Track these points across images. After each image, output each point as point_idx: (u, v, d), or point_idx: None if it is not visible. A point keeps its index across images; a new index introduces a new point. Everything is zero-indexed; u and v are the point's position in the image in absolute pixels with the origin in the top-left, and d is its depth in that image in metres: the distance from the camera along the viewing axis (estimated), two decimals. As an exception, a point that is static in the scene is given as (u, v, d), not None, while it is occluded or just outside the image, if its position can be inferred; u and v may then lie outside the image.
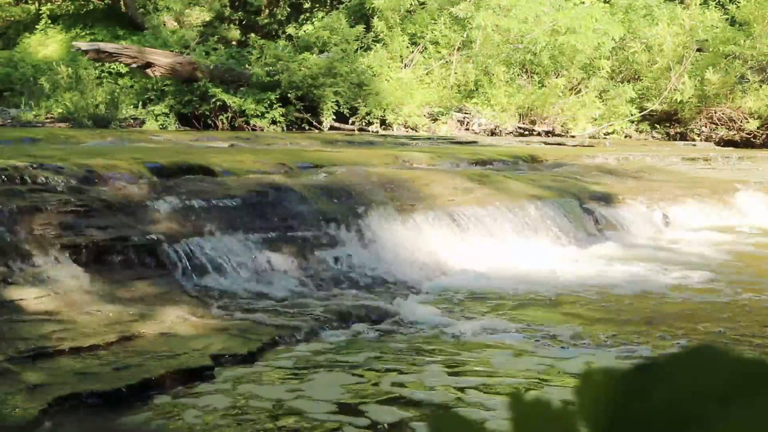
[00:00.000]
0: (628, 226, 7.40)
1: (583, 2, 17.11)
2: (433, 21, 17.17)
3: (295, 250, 5.28)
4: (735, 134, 16.08)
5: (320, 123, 14.96)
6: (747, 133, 15.98)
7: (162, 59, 14.70)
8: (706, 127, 16.41)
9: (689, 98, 15.97)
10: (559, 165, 9.68)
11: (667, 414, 0.39)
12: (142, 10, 19.52)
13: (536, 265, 5.81)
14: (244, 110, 14.49)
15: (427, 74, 16.65)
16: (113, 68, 16.40)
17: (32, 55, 18.34)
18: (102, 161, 5.77)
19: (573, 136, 15.62)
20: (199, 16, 19.25)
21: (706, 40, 16.46)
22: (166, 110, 14.70)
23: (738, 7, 16.38)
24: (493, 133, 15.61)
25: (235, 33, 19.48)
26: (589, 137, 15.74)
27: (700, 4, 17.00)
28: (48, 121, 14.16)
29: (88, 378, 3.20)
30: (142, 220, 5.00)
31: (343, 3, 18.50)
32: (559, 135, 15.66)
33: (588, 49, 15.95)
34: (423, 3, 17.36)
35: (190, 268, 4.77)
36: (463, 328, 4.20)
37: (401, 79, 15.96)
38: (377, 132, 14.82)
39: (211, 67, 14.77)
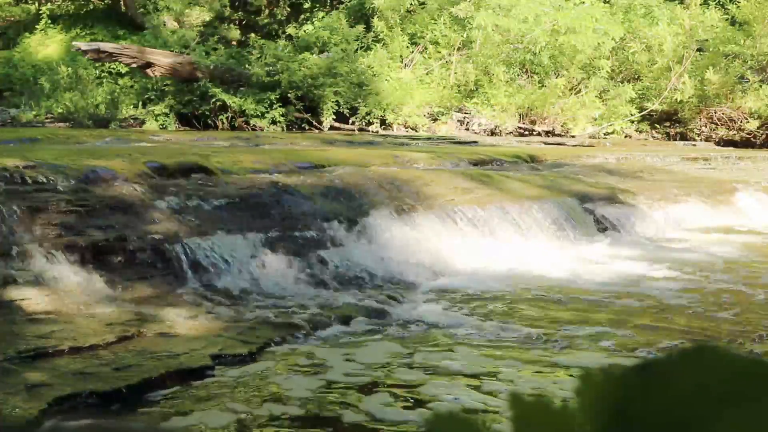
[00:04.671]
0: (628, 226, 7.40)
1: (583, 2, 17.10)
2: (433, 21, 17.17)
3: (295, 250, 5.28)
4: (735, 134, 16.08)
5: (320, 123, 14.96)
6: (747, 133, 15.98)
7: (162, 59, 14.70)
8: (706, 127, 16.41)
9: (689, 98, 15.97)
10: (559, 165, 9.68)
11: (667, 414, 0.39)
12: (142, 10, 19.52)
13: (536, 265, 5.81)
14: (244, 110, 14.50)
15: (427, 74, 16.65)
16: (113, 68, 16.41)
17: (32, 55, 18.35)
18: (102, 161, 5.77)
19: (573, 136, 15.62)
20: (199, 16, 19.25)
21: (706, 40, 16.46)
22: (166, 110, 14.70)
23: (738, 7, 16.38)
24: (493, 133, 15.61)
25: (235, 33, 19.48)
26: (589, 137, 15.74)
27: (700, 4, 17.00)
28: (48, 121, 14.17)
29: (88, 378, 3.20)
30: (142, 220, 5.00)
31: (343, 3, 18.51)
32: (559, 135, 15.66)
33: (588, 49, 15.95)
34: (423, 3, 17.37)
35: (190, 268, 4.77)
36: (462, 328, 4.20)
37: (401, 79, 15.96)
38: (377, 132, 14.82)
39: (211, 67, 14.78)
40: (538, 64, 16.61)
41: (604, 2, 17.71)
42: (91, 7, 20.80)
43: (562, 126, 16.04)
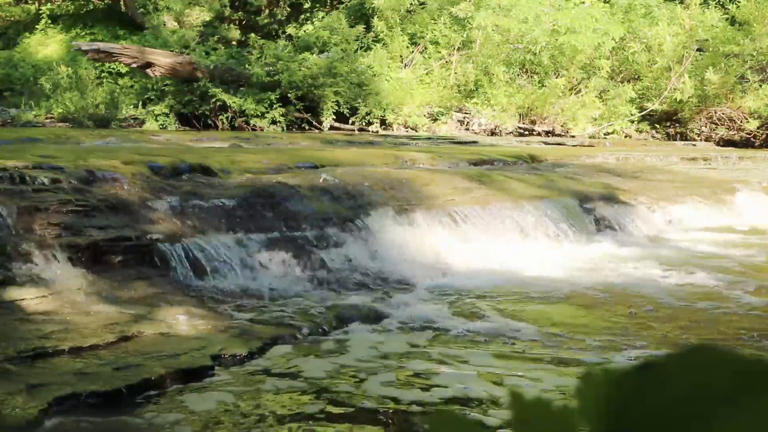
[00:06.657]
0: (628, 226, 7.40)
1: (583, 2, 17.10)
2: (433, 21, 17.17)
3: (295, 250, 5.28)
4: (735, 134, 16.07)
5: (320, 123, 14.96)
6: (747, 133, 15.98)
7: (162, 59, 14.70)
8: (706, 127, 16.40)
9: (689, 98, 15.96)
10: (559, 165, 9.68)
11: (667, 414, 0.39)
12: (142, 10, 19.52)
13: (536, 265, 5.81)
14: (244, 110, 14.49)
15: (427, 74, 16.64)
16: (113, 68, 16.41)
17: (32, 55, 18.35)
18: (102, 161, 5.77)
19: (573, 136, 15.62)
20: (199, 16, 19.24)
21: (706, 40, 16.45)
22: (166, 110, 14.70)
23: (738, 7, 16.38)
24: (493, 133, 15.61)
25: (235, 33, 19.47)
26: (589, 137, 15.74)
27: (700, 4, 16.99)
28: (48, 121, 14.17)
29: (88, 378, 3.20)
30: (142, 220, 5.00)
31: (343, 3, 18.51)
32: (559, 135, 15.66)
33: (588, 49, 15.95)
34: (423, 3, 17.36)
35: (189, 268, 4.77)
36: (462, 328, 4.20)
37: (401, 79, 15.96)
38: (377, 132, 14.82)
39: (211, 67, 14.77)
40: (538, 64, 16.61)
41: (604, 2, 17.70)
42: (91, 7, 20.79)
43: (562, 126, 16.04)
